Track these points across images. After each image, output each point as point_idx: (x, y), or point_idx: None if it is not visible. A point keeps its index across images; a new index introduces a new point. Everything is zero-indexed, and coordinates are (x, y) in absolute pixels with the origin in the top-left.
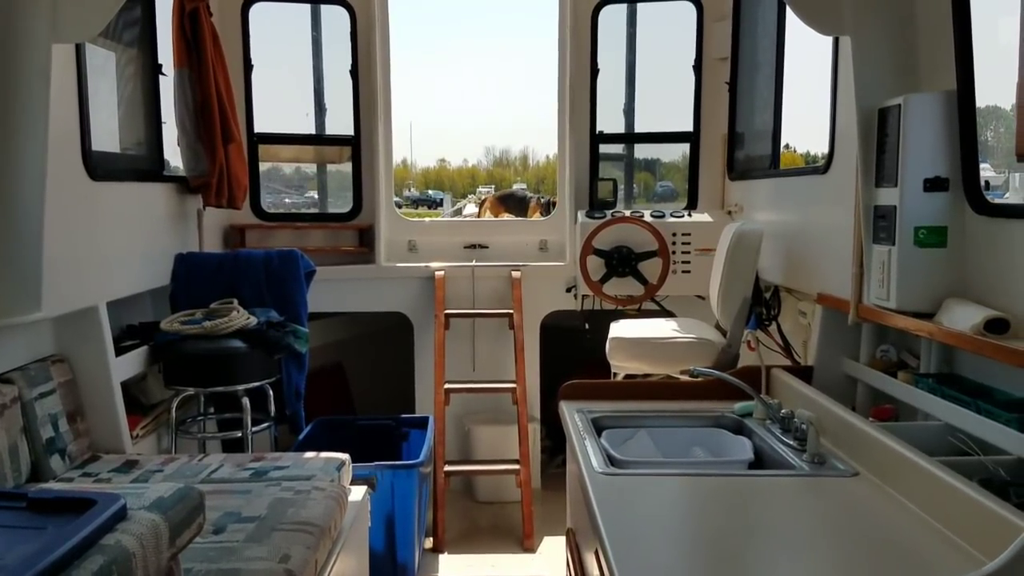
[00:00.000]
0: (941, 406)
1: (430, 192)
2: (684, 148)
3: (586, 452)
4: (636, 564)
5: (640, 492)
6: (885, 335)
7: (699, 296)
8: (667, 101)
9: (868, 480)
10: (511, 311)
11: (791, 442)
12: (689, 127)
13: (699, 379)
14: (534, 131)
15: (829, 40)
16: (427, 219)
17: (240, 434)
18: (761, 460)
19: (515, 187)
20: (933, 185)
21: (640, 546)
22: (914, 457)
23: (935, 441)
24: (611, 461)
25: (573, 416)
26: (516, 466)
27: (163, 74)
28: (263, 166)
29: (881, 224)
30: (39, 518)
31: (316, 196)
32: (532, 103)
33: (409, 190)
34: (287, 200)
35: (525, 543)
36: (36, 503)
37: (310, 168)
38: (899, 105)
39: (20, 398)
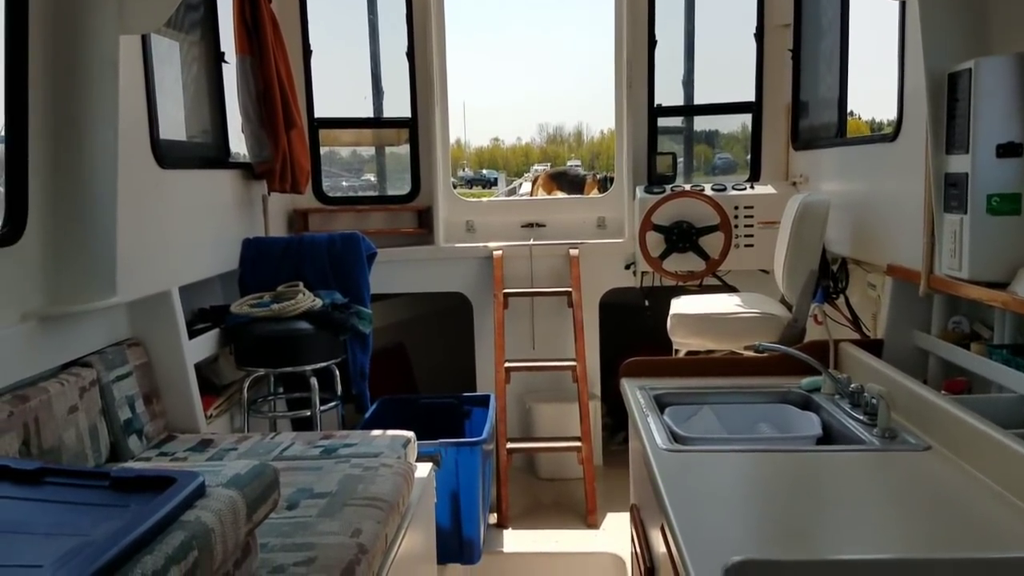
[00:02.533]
0: (1016, 378)
1: (484, 172)
2: (743, 119)
3: (649, 429)
4: (703, 540)
5: (705, 468)
6: (957, 306)
7: (763, 270)
8: (728, 71)
9: (941, 454)
10: (569, 289)
11: (861, 417)
12: (751, 97)
13: (764, 355)
14: (588, 106)
15: (895, 3)
16: (484, 199)
17: (309, 413)
18: (830, 435)
19: (569, 164)
20: (1006, 151)
21: (707, 522)
22: (989, 430)
23: (1010, 414)
24: (675, 438)
25: (635, 393)
26: (577, 443)
27: (225, 62)
28: (323, 150)
29: (952, 192)
30: (121, 496)
31: (373, 179)
32: (586, 78)
33: (463, 170)
34: (344, 183)
35: (588, 519)
36: (118, 482)
37: (367, 151)
38: (969, 69)
39: (98, 380)
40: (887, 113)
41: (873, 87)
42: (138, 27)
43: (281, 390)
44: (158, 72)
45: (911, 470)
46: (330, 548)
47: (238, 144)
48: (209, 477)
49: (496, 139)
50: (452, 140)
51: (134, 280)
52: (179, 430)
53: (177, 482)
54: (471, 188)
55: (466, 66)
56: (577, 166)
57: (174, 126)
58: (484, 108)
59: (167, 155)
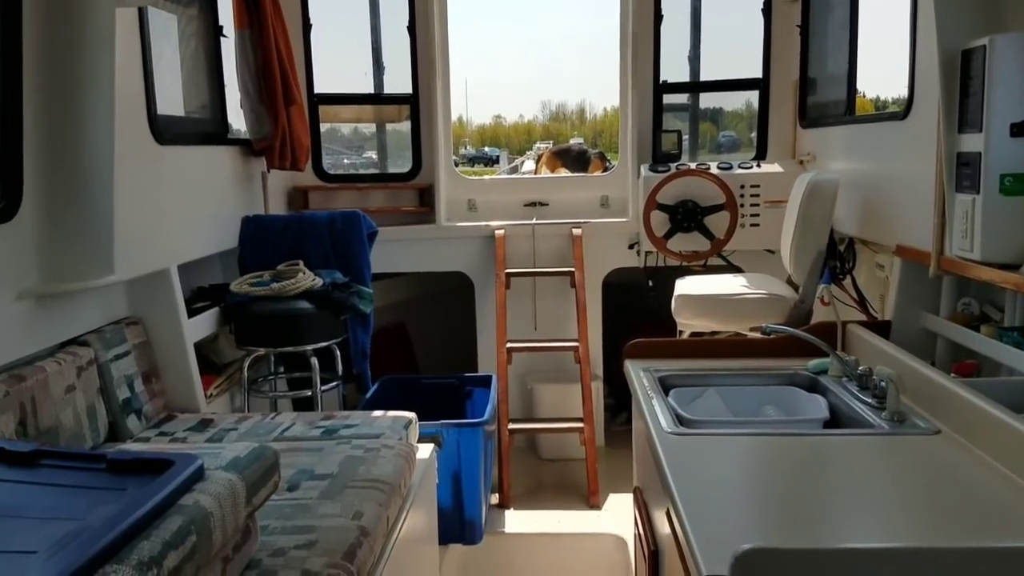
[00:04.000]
0: None
1: (486, 149)
2: (747, 96)
3: (654, 411)
4: (710, 525)
5: (711, 452)
6: (966, 288)
7: (768, 250)
8: (734, 47)
9: (951, 438)
10: (572, 269)
11: (869, 400)
12: (758, 73)
13: (771, 336)
14: (592, 83)
15: None
16: (486, 177)
17: (309, 393)
18: (837, 419)
19: (572, 141)
20: (1020, 130)
21: (713, 507)
22: (1001, 414)
23: (1021, 397)
24: (680, 420)
25: (639, 375)
26: (580, 424)
27: (224, 36)
28: (323, 127)
29: (965, 172)
30: (119, 479)
31: (374, 156)
32: (590, 54)
33: (465, 148)
34: (346, 161)
35: (590, 500)
36: (115, 464)
37: (367, 128)
38: (984, 46)
39: (96, 360)
40: (893, 91)
41: (879, 64)
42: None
43: (282, 369)
44: (155, 46)
45: (921, 454)
46: (331, 531)
47: (237, 120)
48: (208, 460)
49: (498, 116)
50: (454, 117)
51: (132, 258)
52: (179, 409)
53: (175, 465)
54: (473, 166)
55: (468, 43)
56: (581, 143)
57: (172, 101)
58: (488, 85)
59: (165, 131)
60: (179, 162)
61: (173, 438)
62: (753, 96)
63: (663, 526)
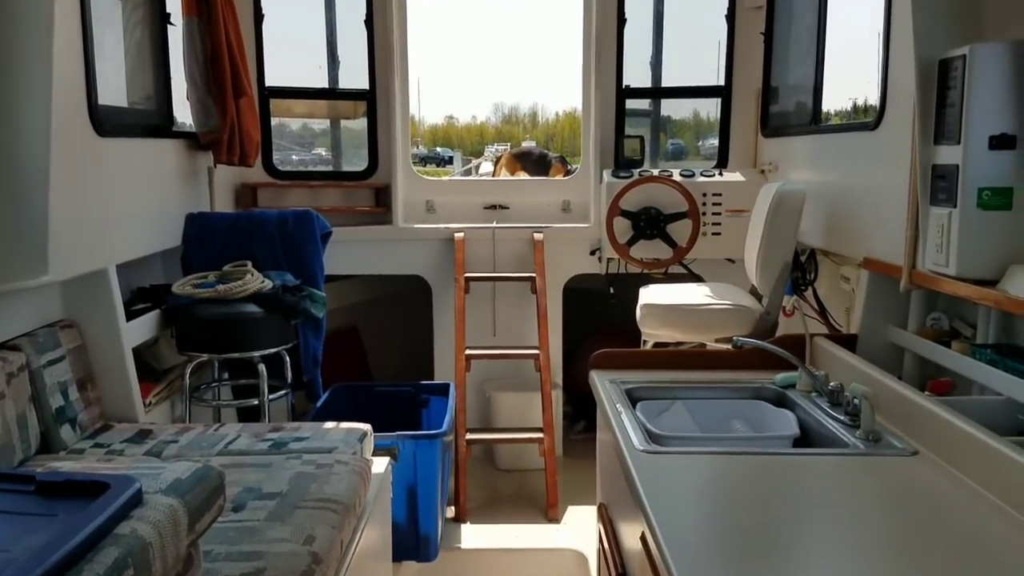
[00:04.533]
0: (1004, 379)
1: (438, 149)
2: (695, 104)
3: (624, 427)
4: (689, 551)
5: (685, 471)
6: (935, 302)
7: (729, 259)
8: (697, 54)
9: (929, 459)
10: (533, 275)
11: (842, 417)
12: (720, 81)
13: (740, 349)
14: (545, 86)
15: None
16: (445, 178)
17: (256, 402)
18: (808, 435)
19: (524, 144)
20: (999, 143)
21: (691, 531)
22: (982, 435)
23: (998, 417)
24: (650, 436)
25: (606, 386)
26: (539, 435)
27: (171, 23)
28: (273, 122)
29: (941, 184)
30: (48, 503)
31: (325, 153)
32: (544, 57)
33: (417, 147)
34: (295, 157)
35: (549, 513)
36: (45, 487)
37: (317, 124)
38: (964, 56)
39: (28, 365)
40: (837, 103)
41: (838, 76)
42: None
43: (226, 376)
44: (98, 33)
45: (899, 476)
46: (280, 557)
47: (183, 113)
48: (146, 482)
49: (451, 117)
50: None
51: (68, 257)
52: (116, 419)
53: (111, 488)
54: (425, 166)
55: (421, 41)
56: (534, 146)
57: (114, 91)
58: (440, 85)
59: (106, 122)
60: (121, 155)
61: (109, 450)
62: (701, 104)
63: (633, 545)
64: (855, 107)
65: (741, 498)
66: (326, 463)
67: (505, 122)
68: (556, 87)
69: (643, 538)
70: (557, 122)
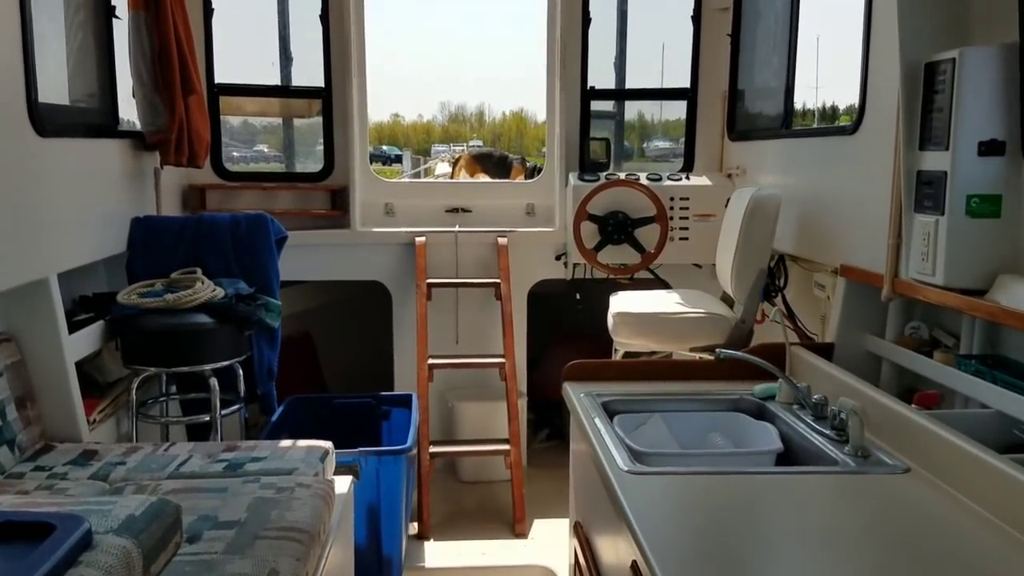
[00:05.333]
0: (991, 392)
1: (384, 148)
2: (639, 106)
3: (604, 444)
4: None
5: (674, 495)
6: (913, 311)
7: (696, 264)
8: (661, 55)
9: (922, 477)
10: (497, 280)
11: (828, 432)
12: (686, 83)
13: (723, 361)
14: (491, 86)
15: None
16: (405, 180)
17: (207, 418)
18: (791, 450)
19: (471, 143)
20: (989, 149)
21: (685, 559)
22: (978, 452)
23: (988, 430)
24: (633, 455)
25: (580, 399)
26: (505, 446)
27: (117, 17)
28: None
29: (926, 191)
30: None
31: (267, 150)
32: (490, 57)
33: None
34: (235, 154)
35: (516, 528)
36: None
37: (260, 121)
38: (953, 59)
39: None
40: (810, 102)
41: (801, 78)
42: None
43: (174, 390)
44: (38, 27)
45: (892, 495)
46: None
47: (128, 111)
48: (96, 520)
49: (396, 115)
50: None
51: (3, 267)
52: (58, 438)
53: (57, 530)
54: (371, 164)
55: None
56: (479, 146)
57: (56, 88)
58: (385, 82)
59: (47, 121)
60: (62, 156)
61: (52, 474)
62: (646, 107)
63: (618, 568)
64: (823, 110)
65: (733, 522)
66: (286, 486)
67: (452, 121)
68: (503, 87)
69: (634, 566)
70: (504, 121)
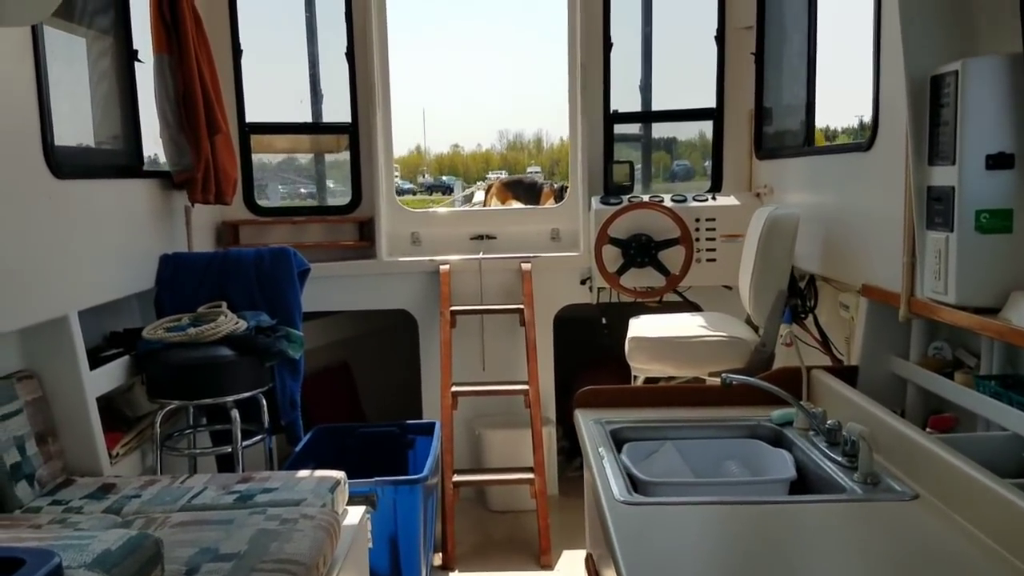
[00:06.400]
0: (1006, 412)
1: (444, 178)
2: (701, 126)
3: (604, 474)
4: None
5: (668, 525)
6: (937, 331)
7: (726, 286)
8: (687, 76)
9: (930, 504)
10: (521, 306)
11: (839, 458)
12: (712, 103)
13: (730, 386)
14: (548, 112)
15: (867, 1)
16: (430, 210)
17: (230, 449)
18: (805, 478)
19: (529, 170)
20: (997, 162)
21: None
22: (983, 478)
23: (1003, 454)
24: (634, 484)
25: (589, 427)
26: (531, 475)
27: (139, 61)
28: (262, 158)
29: (936, 207)
30: None
31: (332, 185)
32: (545, 83)
33: (423, 176)
34: (303, 190)
35: (542, 559)
36: None
37: (304, 158)
38: (956, 71)
39: None
40: (844, 120)
41: (832, 93)
42: (20, 18)
43: (204, 421)
44: (55, 72)
45: (898, 523)
46: None
47: (157, 152)
48: (70, 555)
49: (456, 146)
50: (412, 146)
51: (22, 305)
52: (79, 472)
53: (26, 565)
54: (431, 195)
55: (426, 72)
56: (538, 173)
57: (76, 131)
58: (446, 115)
59: (64, 163)
60: (82, 197)
61: (68, 508)
62: (707, 125)
63: None
64: (862, 124)
65: (731, 554)
66: (291, 518)
67: (510, 149)
68: (559, 112)
69: None
70: (562, 147)
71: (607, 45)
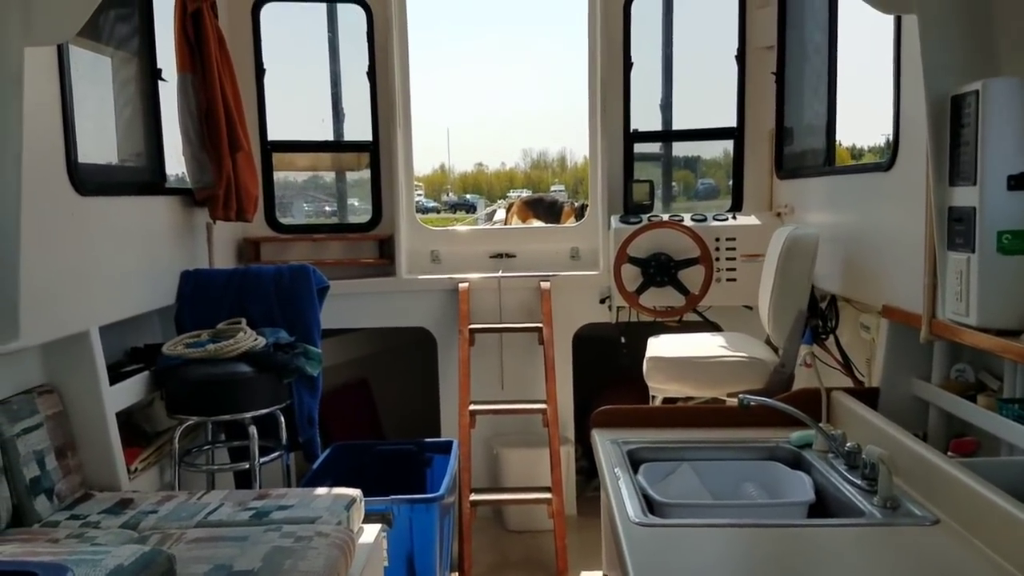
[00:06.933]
0: None
1: (468, 196)
2: (726, 144)
3: (620, 495)
4: None
5: (683, 547)
6: (960, 353)
7: (747, 306)
8: (708, 95)
9: (951, 529)
10: (540, 325)
11: (859, 481)
12: (732, 122)
13: (747, 407)
14: (572, 131)
15: (887, 20)
16: (450, 228)
17: (248, 466)
18: (824, 501)
19: (553, 189)
20: (1018, 183)
21: None
22: (1006, 504)
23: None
24: (650, 505)
25: (606, 447)
26: (548, 495)
27: (163, 79)
28: (285, 176)
29: (957, 228)
30: None
31: (357, 203)
32: (569, 102)
33: (448, 195)
34: (327, 208)
35: None
36: None
37: (328, 175)
38: (977, 91)
39: (0, 435)
40: (871, 139)
41: (858, 111)
42: (47, 37)
43: (223, 437)
44: (80, 90)
45: (918, 549)
46: None
47: (179, 169)
48: (83, 569)
49: (480, 164)
50: (436, 165)
51: (44, 320)
52: (98, 487)
53: None
54: (455, 212)
55: (451, 91)
56: (561, 191)
57: (100, 149)
58: (470, 133)
59: (87, 180)
60: (105, 214)
61: (85, 522)
62: (731, 144)
63: None
64: (888, 143)
65: None
66: (306, 535)
67: (534, 167)
68: (583, 131)
69: None
70: (587, 165)
71: (627, 65)
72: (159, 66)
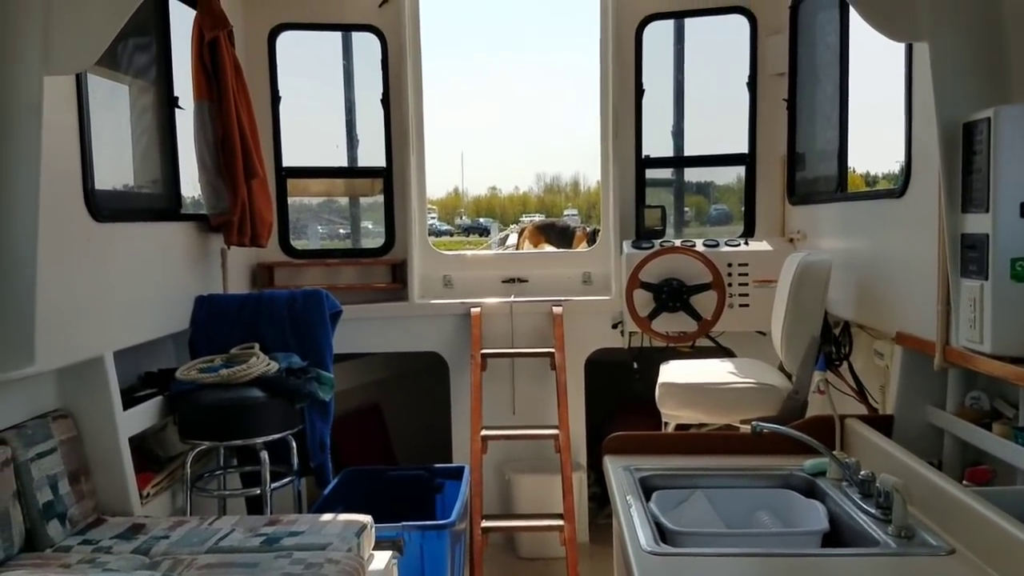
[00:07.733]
0: None
1: (481, 220)
2: (739, 170)
3: (632, 523)
4: None
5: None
6: (975, 380)
7: (760, 332)
8: (720, 121)
9: (967, 559)
10: (553, 350)
11: (873, 510)
12: (744, 148)
13: (760, 434)
14: (585, 156)
15: (899, 48)
16: (463, 252)
17: (259, 491)
18: (838, 530)
19: (566, 213)
20: None
21: None
22: (1021, 534)
23: None
24: (662, 533)
25: (618, 474)
26: (560, 521)
27: (179, 107)
28: (297, 201)
29: (970, 255)
30: None
31: (371, 226)
32: (582, 127)
33: (461, 218)
34: (341, 231)
35: None
36: None
37: (344, 201)
38: (988, 119)
39: (14, 459)
40: (885, 166)
41: (870, 139)
42: (66, 67)
43: (235, 462)
44: (97, 117)
45: None
46: None
47: (194, 192)
48: None
49: (494, 188)
50: (450, 188)
51: (60, 345)
52: (110, 512)
53: None
54: (468, 236)
55: (465, 115)
56: (574, 215)
57: (116, 175)
58: (484, 157)
59: (103, 207)
60: (120, 240)
61: (97, 548)
62: (743, 170)
63: None
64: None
65: None
66: (316, 562)
67: (547, 191)
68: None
69: None
70: (599, 190)
71: (639, 91)
72: (176, 94)
